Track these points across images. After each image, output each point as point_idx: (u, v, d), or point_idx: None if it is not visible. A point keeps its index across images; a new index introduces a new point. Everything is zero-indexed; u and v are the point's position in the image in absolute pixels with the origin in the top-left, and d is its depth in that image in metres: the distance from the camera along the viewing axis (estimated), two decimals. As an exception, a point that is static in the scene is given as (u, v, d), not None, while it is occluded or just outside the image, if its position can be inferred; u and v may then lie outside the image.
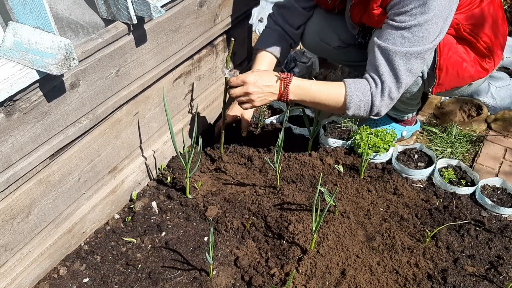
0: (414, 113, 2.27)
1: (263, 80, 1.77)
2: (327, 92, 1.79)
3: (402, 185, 2.00)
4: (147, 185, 2.02)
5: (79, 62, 1.43)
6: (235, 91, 1.79)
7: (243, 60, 2.41)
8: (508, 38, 2.91)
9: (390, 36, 1.69)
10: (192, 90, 2.12)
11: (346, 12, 2.09)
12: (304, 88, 1.79)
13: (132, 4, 1.50)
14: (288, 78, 1.77)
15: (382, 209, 1.91)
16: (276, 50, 2.11)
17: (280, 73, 1.79)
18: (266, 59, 2.11)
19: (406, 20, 1.65)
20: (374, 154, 2.09)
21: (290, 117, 2.38)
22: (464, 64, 1.88)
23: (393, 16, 1.69)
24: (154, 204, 1.92)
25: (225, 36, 2.18)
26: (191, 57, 2.01)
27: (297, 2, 2.11)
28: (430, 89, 1.93)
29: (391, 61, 1.70)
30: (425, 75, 1.90)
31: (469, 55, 1.90)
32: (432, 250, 1.74)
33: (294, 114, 2.40)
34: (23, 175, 1.44)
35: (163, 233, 1.80)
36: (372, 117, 1.82)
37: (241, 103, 1.83)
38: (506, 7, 3.27)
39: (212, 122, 2.34)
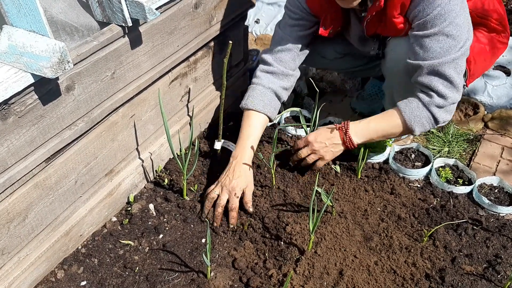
0: None
1: (322, 136, 1.90)
2: (386, 123, 1.84)
3: (399, 185, 2.01)
4: (144, 187, 2.02)
5: (74, 65, 1.42)
6: (303, 152, 1.94)
7: (239, 61, 2.41)
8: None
9: (429, 49, 1.67)
10: (188, 92, 2.12)
11: (351, 28, 2.03)
12: (363, 129, 1.86)
13: (127, 7, 1.50)
14: (345, 126, 1.86)
15: (379, 209, 1.91)
16: (270, 110, 1.98)
17: (335, 124, 1.91)
18: (260, 121, 1.97)
19: (436, 24, 1.63)
20: (371, 154, 2.09)
21: (286, 117, 2.38)
22: (486, 47, 1.91)
23: (421, 28, 1.66)
24: (151, 206, 1.92)
25: (220, 38, 2.18)
26: (187, 59, 2.00)
27: (294, 37, 1.97)
28: (465, 83, 1.92)
29: (441, 73, 1.68)
30: None
31: (486, 37, 1.93)
32: (430, 249, 1.74)
33: (291, 114, 2.41)
34: (19, 179, 1.43)
35: (161, 235, 1.80)
36: (441, 124, 1.80)
37: (313, 163, 1.95)
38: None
39: (208, 123, 2.34)
